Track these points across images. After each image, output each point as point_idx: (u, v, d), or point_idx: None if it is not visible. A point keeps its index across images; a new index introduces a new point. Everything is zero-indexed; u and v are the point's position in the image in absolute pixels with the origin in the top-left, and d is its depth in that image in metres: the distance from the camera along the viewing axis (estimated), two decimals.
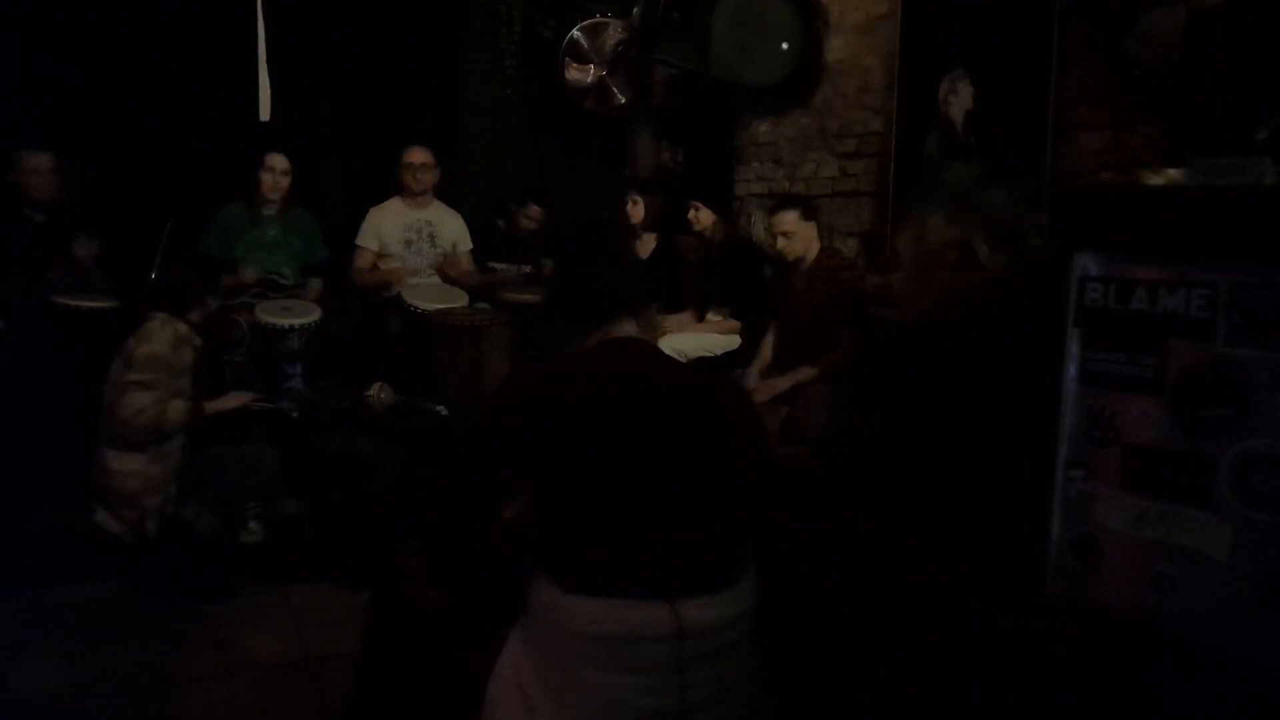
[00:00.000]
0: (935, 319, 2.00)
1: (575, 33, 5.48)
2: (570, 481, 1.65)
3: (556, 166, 5.97)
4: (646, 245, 5.05)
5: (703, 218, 4.79)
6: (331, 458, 4.15)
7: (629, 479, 1.64)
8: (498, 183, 5.64)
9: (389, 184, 5.13)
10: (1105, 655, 1.74)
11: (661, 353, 1.87)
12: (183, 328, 3.60)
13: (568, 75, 5.55)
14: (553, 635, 1.63)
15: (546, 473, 1.67)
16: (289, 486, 3.98)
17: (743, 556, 1.74)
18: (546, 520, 1.69)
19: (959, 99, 4.01)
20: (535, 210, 5.38)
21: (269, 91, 5.28)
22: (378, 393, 4.01)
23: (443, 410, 4.10)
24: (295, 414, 4.01)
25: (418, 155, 5.04)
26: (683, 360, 3.61)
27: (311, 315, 4.42)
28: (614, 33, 5.49)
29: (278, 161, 4.74)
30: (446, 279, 5.03)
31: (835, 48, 4.79)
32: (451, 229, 5.17)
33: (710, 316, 4.66)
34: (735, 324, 4.60)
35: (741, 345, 4.53)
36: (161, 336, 3.51)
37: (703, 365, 4.24)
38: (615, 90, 5.64)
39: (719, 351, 4.51)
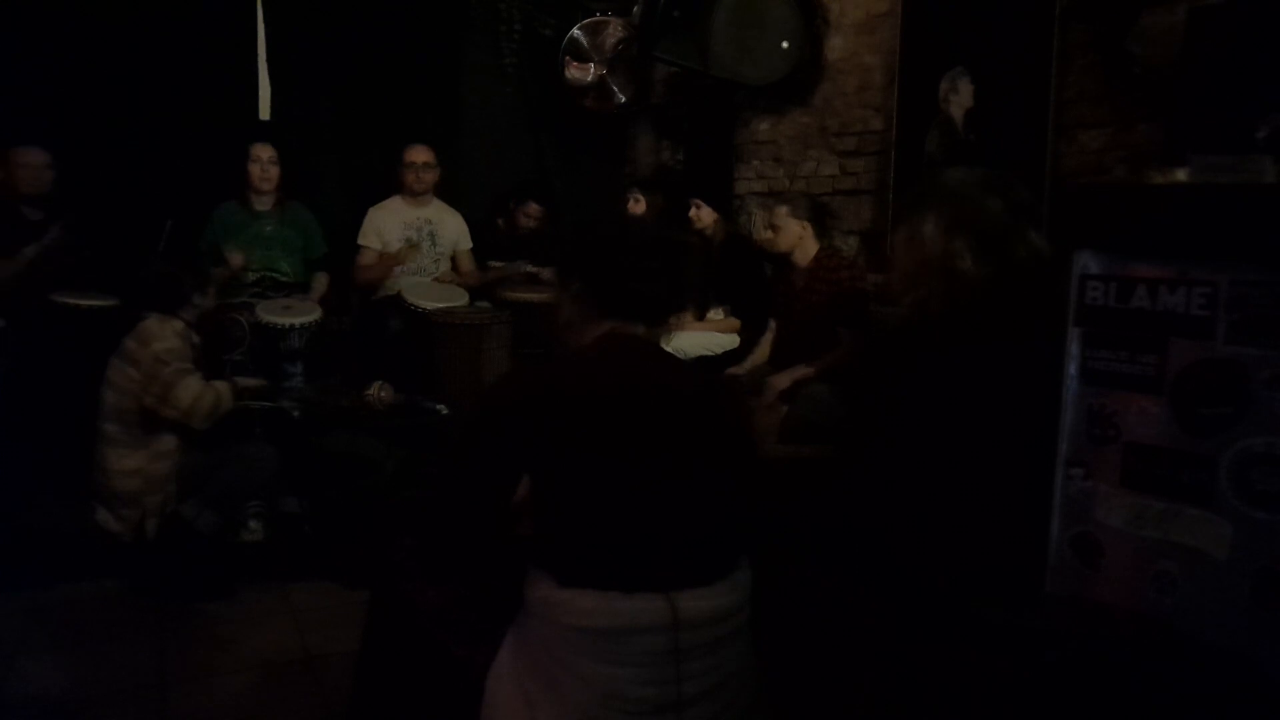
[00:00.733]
0: (933, 319, 2.00)
1: (575, 31, 5.49)
2: (566, 476, 1.66)
3: (556, 165, 5.98)
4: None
5: (703, 216, 4.80)
6: (332, 456, 4.16)
7: (625, 473, 1.65)
8: (498, 181, 5.64)
9: (389, 183, 5.13)
10: (1105, 653, 1.73)
11: (660, 350, 1.86)
12: (179, 324, 3.60)
13: (568, 74, 5.55)
14: (550, 630, 1.63)
15: (543, 468, 1.67)
16: (289, 485, 3.99)
17: (737, 548, 1.75)
18: (543, 515, 1.69)
19: (959, 97, 4.01)
20: (535, 208, 5.38)
21: (269, 90, 5.28)
22: (378, 391, 4.01)
23: (443, 409, 4.10)
24: (296, 413, 4.01)
25: (420, 154, 5.04)
26: (682, 358, 3.62)
27: (312, 314, 4.43)
28: (614, 31, 5.49)
29: (264, 151, 4.74)
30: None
31: (835, 46, 4.79)
32: (452, 228, 5.18)
33: (710, 315, 4.66)
34: (735, 323, 4.60)
35: (741, 344, 4.53)
36: (165, 332, 3.52)
37: (702, 364, 4.24)
38: (615, 89, 5.65)
39: (719, 350, 4.52)
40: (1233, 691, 1.63)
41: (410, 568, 2.14)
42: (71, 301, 4.14)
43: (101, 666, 3.00)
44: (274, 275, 4.74)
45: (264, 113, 5.28)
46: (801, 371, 3.90)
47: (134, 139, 4.87)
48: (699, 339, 4.48)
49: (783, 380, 3.91)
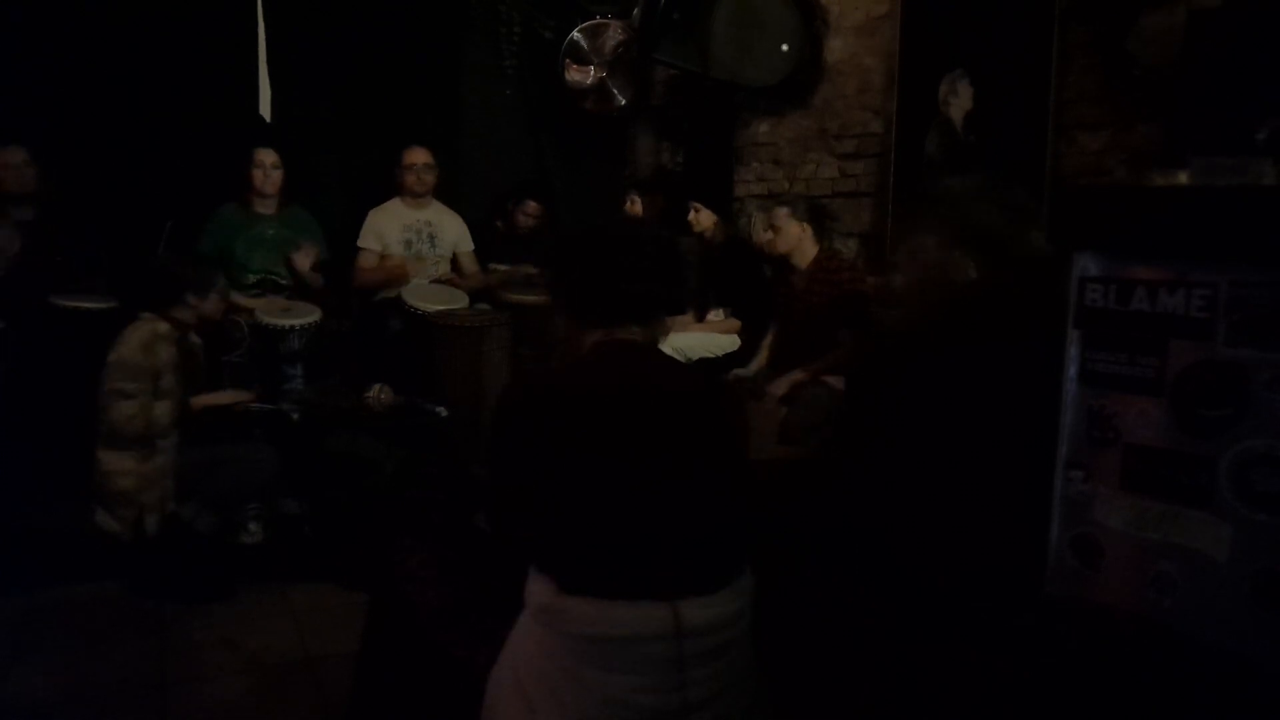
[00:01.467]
0: (934, 321, 2.00)
1: (575, 34, 5.49)
2: (566, 480, 1.65)
3: (557, 167, 5.97)
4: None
5: (702, 219, 4.80)
6: (331, 458, 4.15)
7: (625, 476, 1.64)
8: (498, 183, 5.64)
9: (389, 184, 5.13)
10: (1105, 655, 1.74)
11: (660, 353, 1.86)
12: (163, 326, 3.57)
13: (568, 76, 5.55)
14: (552, 635, 1.63)
15: (543, 471, 1.67)
16: (289, 487, 3.99)
17: (740, 555, 1.74)
18: (543, 519, 1.69)
19: (959, 99, 4.01)
20: (532, 206, 5.38)
21: (269, 91, 5.28)
22: (378, 393, 4.01)
23: (443, 411, 4.10)
24: (295, 415, 4.01)
25: (419, 156, 5.04)
26: (683, 361, 3.62)
27: (312, 316, 4.42)
28: (614, 34, 5.49)
29: (267, 156, 4.73)
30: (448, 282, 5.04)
31: (835, 48, 4.79)
32: (452, 229, 5.17)
33: (710, 317, 4.66)
34: (735, 324, 4.60)
35: (742, 346, 4.53)
36: (132, 340, 3.50)
37: (703, 366, 4.24)
38: (615, 91, 5.65)
39: (719, 352, 4.51)
40: (1232, 692, 1.63)
41: (411, 568, 2.14)
42: (71, 304, 4.13)
43: (101, 667, 3.00)
44: (274, 278, 4.74)
45: (265, 115, 5.28)
46: (799, 375, 3.90)
47: (134, 140, 4.86)
48: (700, 340, 4.48)
49: (781, 386, 3.90)
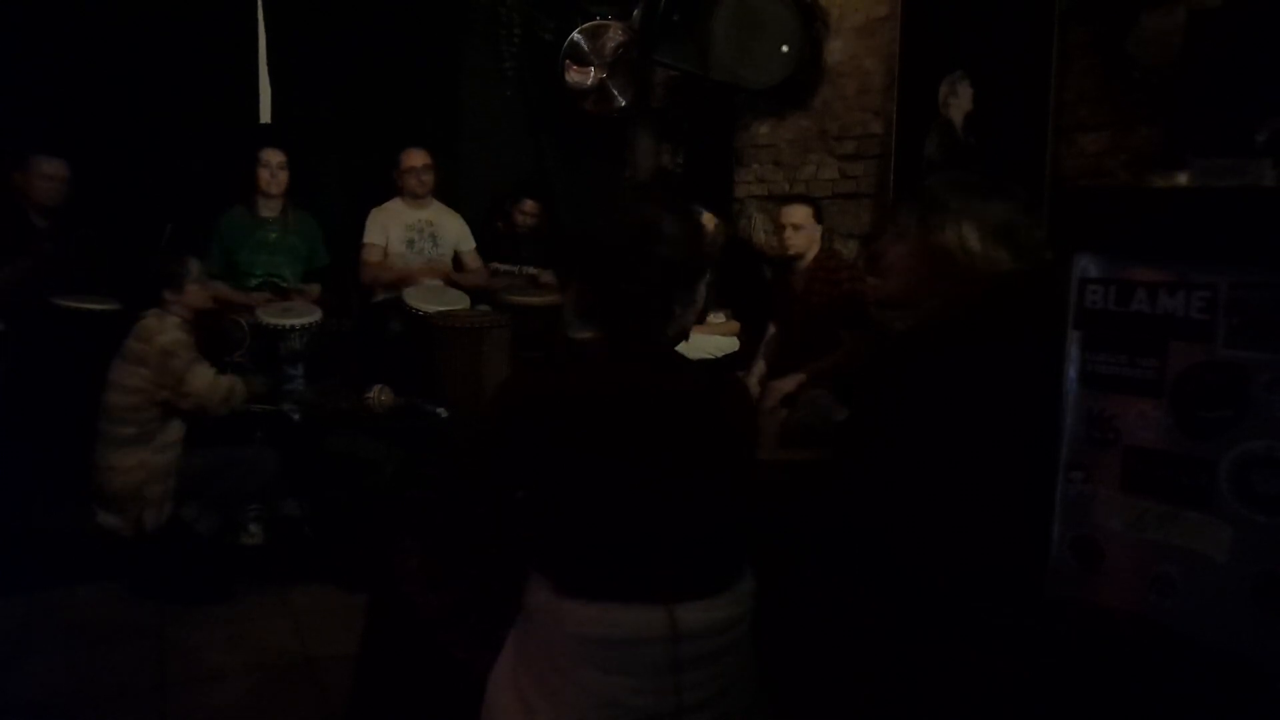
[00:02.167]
0: (936, 322, 2.00)
1: (575, 35, 5.49)
2: (565, 479, 1.65)
3: (557, 168, 5.98)
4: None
5: (702, 221, 4.80)
6: (332, 459, 4.15)
7: (627, 482, 1.64)
8: (497, 185, 5.64)
9: (389, 185, 5.13)
10: (1105, 656, 1.74)
11: (664, 352, 1.84)
12: (174, 319, 3.62)
13: (568, 77, 5.55)
14: (549, 637, 1.63)
15: (542, 470, 1.66)
16: (289, 488, 3.99)
17: (741, 559, 1.74)
18: (542, 519, 1.69)
19: (959, 100, 4.01)
20: (530, 205, 5.39)
21: (269, 93, 5.29)
22: (378, 394, 4.01)
23: (443, 412, 4.10)
24: (296, 416, 4.01)
25: (418, 158, 5.05)
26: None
27: (312, 315, 4.43)
28: (614, 35, 5.49)
29: (273, 156, 4.73)
30: (451, 282, 5.04)
31: (835, 49, 4.80)
32: (453, 228, 5.18)
33: (710, 318, 4.66)
34: (735, 325, 4.60)
35: (741, 347, 4.53)
36: (166, 325, 3.55)
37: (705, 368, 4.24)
38: (615, 92, 5.65)
39: (719, 353, 4.52)
40: (1233, 693, 1.63)
41: (411, 569, 2.14)
42: (72, 305, 4.13)
43: (101, 667, 3.00)
44: (276, 281, 4.74)
45: (264, 116, 5.28)
46: (802, 378, 3.90)
47: (134, 142, 4.87)
48: (699, 342, 4.48)
49: (786, 384, 3.90)
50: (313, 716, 2.80)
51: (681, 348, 1.80)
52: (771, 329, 4.36)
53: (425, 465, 4.10)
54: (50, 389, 4.00)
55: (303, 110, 5.33)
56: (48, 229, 4.38)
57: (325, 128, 5.41)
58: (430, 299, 4.73)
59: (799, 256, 4.13)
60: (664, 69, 5.44)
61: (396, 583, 2.17)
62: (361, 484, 4.08)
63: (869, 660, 1.88)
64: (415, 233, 5.06)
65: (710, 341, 4.53)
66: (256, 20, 5.22)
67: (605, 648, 1.58)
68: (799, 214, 4.10)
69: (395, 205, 5.09)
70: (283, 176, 4.74)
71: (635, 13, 5.14)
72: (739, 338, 4.58)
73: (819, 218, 4.16)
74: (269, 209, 4.77)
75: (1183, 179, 1.93)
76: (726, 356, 4.52)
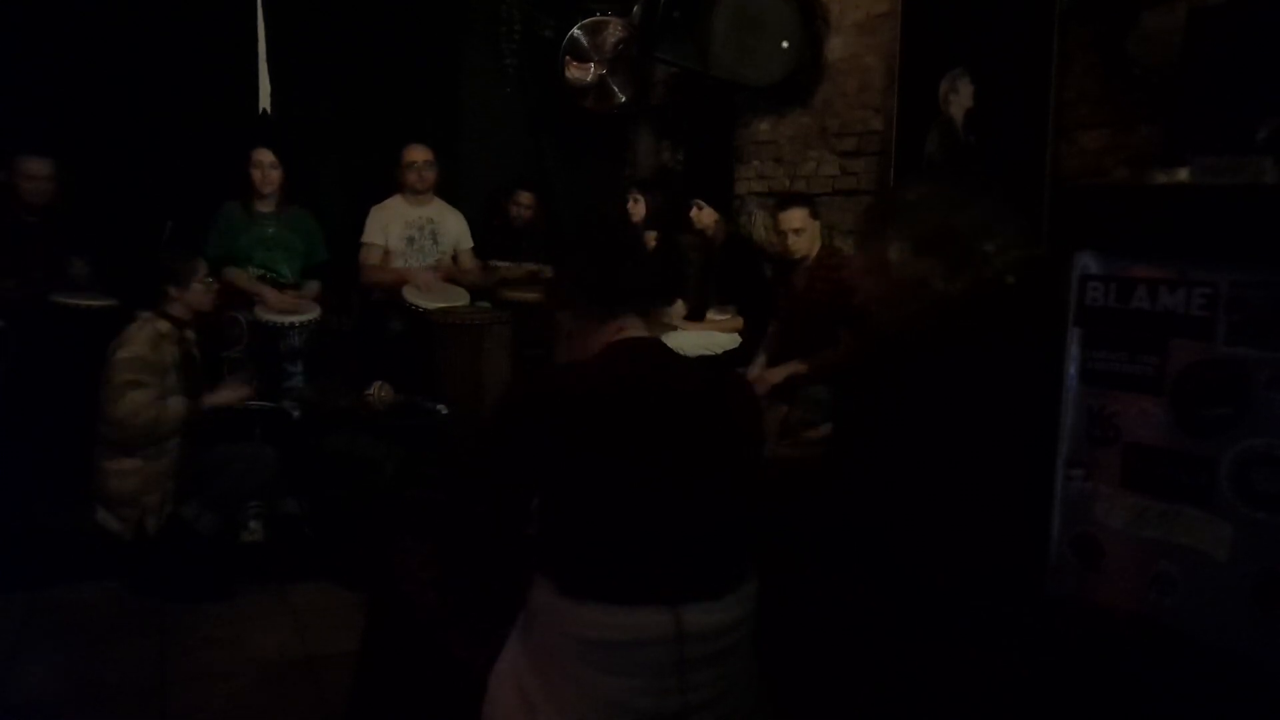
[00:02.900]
0: (919, 330, 1.99)
1: (575, 31, 5.48)
2: (573, 485, 1.64)
3: (556, 165, 5.98)
4: (648, 244, 5.05)
5: (705, 216, 4.80)
6: (331, 457, 4.15)
7: (631, 481, 1.64)
8: (497, 182, 5.64)
9: (389, 182, 5.13)
10: (1105, 654, 1.73)
11: (669, 352, 1.84)
12: (163, 325, 3.59)
13: (568, 74, 5.54)
14: (553, 637, 1.62)
15: (550, 476, 1.66)
16: (289, 486, 3.99)
17: (744, 561, 1.74)
18: (548, 523, 1.69)
19: (959, 98, 4.01)
20: (526, 197, 5.40)
21: (269, 90, 5.28)
22: (378, 392, 4.01)
23: (443, 409, 4.10)
24: (296, 413, 4.01)
25: (419, 153, 5.04)
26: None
27: (312, 313, 4.42)
28: (614, 32, 5.48)
29: (264, 156, 4.72)
30: (449, 279, 5.04)
31: (835, 46, 4.79)
32: (453, 227, 5.17)
33: (711, 315, 4.66)
34: (736, 323, 4.60)
35: (742, 344, 4.53)
36: (139, 337, 3.51)
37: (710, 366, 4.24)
38: (615, 89, 5.64)
39: (719, 351, 4.51)
40: (1232, 691, 1.63)
41: (411, 568, 2.14)
42: (71, 302, 4.13)
43: (101, 667, 3.00)
44: (274, 277, 4.74)
45: (265, 108, 5.28)
46: (795, 366, 3.90)
47: (134, 139, 4.87)
48: (699, 339, 4.48)
49: (776, 374, 3.89)
50: (313, 716, 2.80)
51: (683, 344, 1.81)
52: (772, 326, 4.36)
53: (425, 463, 4.10)
54: (50, 387, 4.00)
55: (303, 108, 5.33)
56: (38, 226, 4.36)
57: (325, 125, 5.41)
58: (430, 296, 4.73)
59: (804, 257, 4.13)
60: (664, 66, 5.44)
61: (396, 582, 2.17)
62: (361, 482, 4.08)
63: (869, 659, 1.88)
64: (416, 230, 5.06)
65: (711, 339, 4.52)
66: (256, 18, 5.22)
67: (609, 649, 1.58)
68: (797, 218, 4.09)
69: (395, 203, 5.09)
70: (275, 175, 4.73)
71: (635, 9, 5.14)
72: (740, 334, 4.57)
73: (816, 215, 4.15)
74: (265, 206, 4.76)
75: (1183, 177, 1.92)
76: (728, 354, 4.51)
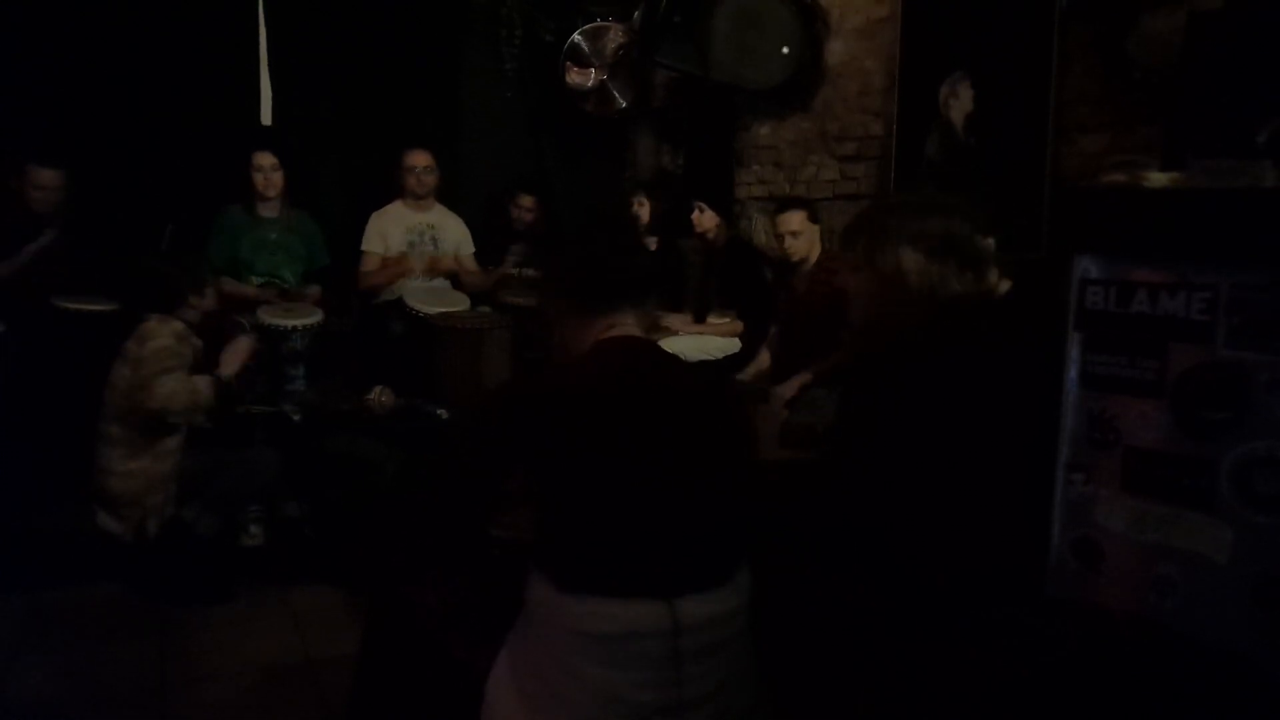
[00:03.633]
0: (921, 336, 1.99)
1: (576, 36, 5.49)
2: (566, 477, 1.65)
3: (557, 169, 5.98)
4: (649, 247, 5.05)
5: (706, 220, 4.80)
6: (332, 460, 4.15)
7: (624, 473, 1.64)
8: (498, 186, 5.64)
9: (389, 186, 5.13)
10: (1105, 657, 1.73)
11: (661, 350, 1.86)
12: (179, 325, 3.61)
13: (569, 79, 5.55)
14: (550, 632, 1.63)
15: (544, 472, 1.67)
16: (290, 489, 3.99)
17: (739, 552, 1.75)
18: (544, 518, 1.69)
19: (959, 101, 4.02)
20: (527, 199, 5.40)
21: (270, 94, 5.29)
22: (379, 395, 4.01)
23: (443, 413, 4.10)
24: (296, 416, 4.01)
25: (420, 158, 5.04)
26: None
27: (314, 316, 4.43)
28: (615, 36, 5.49)
29: (265, 159, 4.73)
30: (448, 272, 5.05)
31: (835, 51, 4.80)
32: (454, 232, 5.18)
33: (711, 319, 4.66)
34: (737, 326, 4.60)
35: (742, 348, 4.53)
36: (164, 331, 3.53)
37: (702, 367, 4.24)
38: (616, 93, 5.65)
39: (719, 354, 4.51)
40: (1233, 694, 1.63)
41: (411, 570, 2.14)
42: (72, 306, 4.13)
43: (101, 668, 3.00)
44: (277, 282, 4.75)
45: (265, 118, 5.28)
46: (804, 378, 3.90)
47: (135, 143, 4.87)
48: (699, 342, 4.48)
49: (789, 388, 3.90)
50: (313, 716, 2.79)
51: (682, 348, 1.82)
52: (773, 330, 4.36)
53: (426, 466, 4.10)
54: (50, 389, 4.00)
55: (303, 111, 5.33)
56: (40, 224, 4.36)
57: (326, 128, 5.41)
58: (431, 300, 4.73)
59: (803, 261, 4.13)
60: (664, 70, 5.45)
61: (397, 582, 2.17)
62: (362, 485, 4.08)
63: (869, 659, 1.88)
64: (416, 235, 5.06)
65: (711, 342, 4.53)
66: (257, 21, 5.22)
67: (606, 643, 1.59)
68: (795, 220, 4.10)
69: (396, 208, 5.09)
70: (276, 178, 4.73)
71: (636, 14, 5.15)
72: (740, 338, 4.57)
73: (815, 218, 4.16)
74: (268, 210, 4.77)
75: (1183, 180, 1.92)
76: (728, 357, 4.52)
